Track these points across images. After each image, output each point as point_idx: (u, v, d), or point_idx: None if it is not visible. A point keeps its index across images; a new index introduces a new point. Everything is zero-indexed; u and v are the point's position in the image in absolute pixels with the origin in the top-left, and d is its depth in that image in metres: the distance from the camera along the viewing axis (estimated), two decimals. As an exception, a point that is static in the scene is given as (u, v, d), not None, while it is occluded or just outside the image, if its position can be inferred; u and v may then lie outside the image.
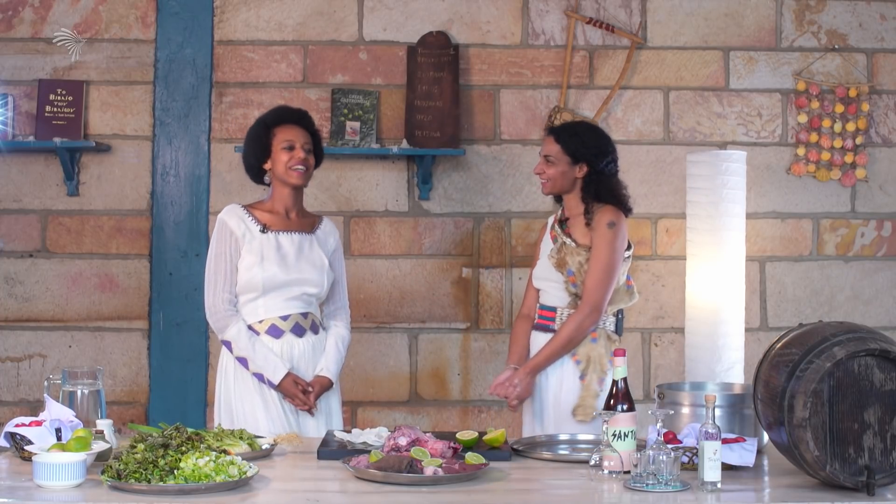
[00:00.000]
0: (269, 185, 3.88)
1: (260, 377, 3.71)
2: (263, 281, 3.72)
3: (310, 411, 3.75)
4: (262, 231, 3.77)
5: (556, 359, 3.79)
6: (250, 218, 3.79)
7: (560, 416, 3.80)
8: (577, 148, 3.85)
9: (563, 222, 3.93)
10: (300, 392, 3.71)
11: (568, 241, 3.85)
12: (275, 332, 3.75)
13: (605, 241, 3.76)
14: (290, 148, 3.79)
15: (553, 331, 3.82)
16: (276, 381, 3.69)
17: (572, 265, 3.81)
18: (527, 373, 3.79)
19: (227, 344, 3.75)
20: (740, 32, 5.20)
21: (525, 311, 4.02)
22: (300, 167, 3.79)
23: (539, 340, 3.87)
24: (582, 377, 3.77)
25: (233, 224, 3.77)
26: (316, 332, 3.82)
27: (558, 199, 3.99)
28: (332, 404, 3.86)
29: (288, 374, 3.70)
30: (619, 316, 3.87)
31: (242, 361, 3.72)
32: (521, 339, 3.97)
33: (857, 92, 5.15)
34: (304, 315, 3.80)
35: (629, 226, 3.90)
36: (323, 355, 3.82)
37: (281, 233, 3.79)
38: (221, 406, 3.82)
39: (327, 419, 3.84)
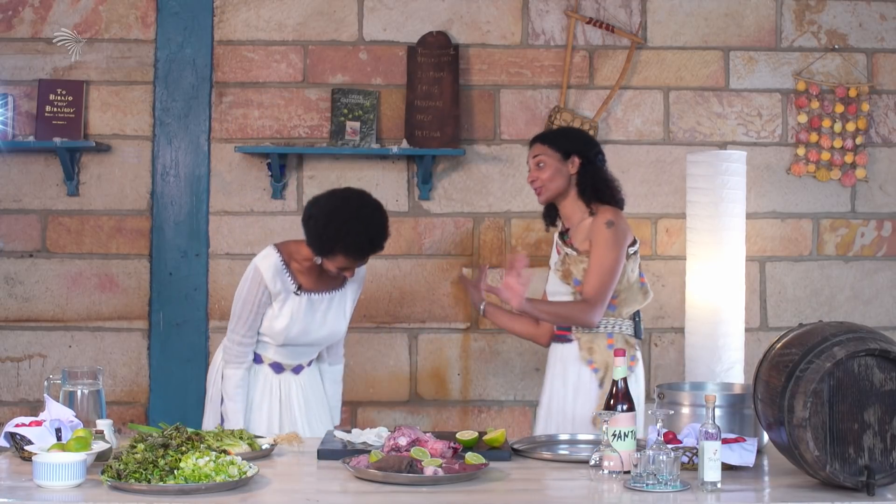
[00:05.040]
0: None
1: (223, 418, 3.80)
2: (286, 338, 3.79)
3: None
4: (297, 293, 3.79)
5: (543, 314, 3.73)
6: (287, 274, 3.78)
7: (576, 425, 3.74)
8: (564, 142, 3.84)
9: (563, 234, 3.90)
10: None
11: (569, 251, 3.82)
12: (277, 368, 3.87)
13: (603, 239, 3.72)
14: (345, 268, 3.78)
15: (570, 340, 3.80)
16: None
17: (577, 274, 3.77)
18: (517, 293, 3.63)
19: (224, 377, 3.82)
20: (740, 32, 5.20)
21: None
22: (348, 275, 3.83)
23: (557, 351, 3.86)
24: (601, 385, 3.73)
25: (269, 280, 3.76)
26: (310, 364, 3.95)
27: (550, 217, 3.93)
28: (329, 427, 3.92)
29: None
30: (637, 318, 3.82)
31: (225, 395, 3.80)
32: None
33: (857, 92, 5.15)
34: (309, 362, 3.94)
35: (629, 226, 3.87)
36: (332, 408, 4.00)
37: (314, 293, 3.83)
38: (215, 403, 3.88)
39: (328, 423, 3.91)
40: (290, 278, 3.78)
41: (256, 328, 3.79)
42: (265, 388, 3.84)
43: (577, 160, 3.81)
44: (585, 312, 3.69)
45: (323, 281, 3.84)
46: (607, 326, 3.76)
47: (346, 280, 3.89)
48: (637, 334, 3.82)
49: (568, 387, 3.79)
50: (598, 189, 3.81)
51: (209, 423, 3.87)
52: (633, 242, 3.82)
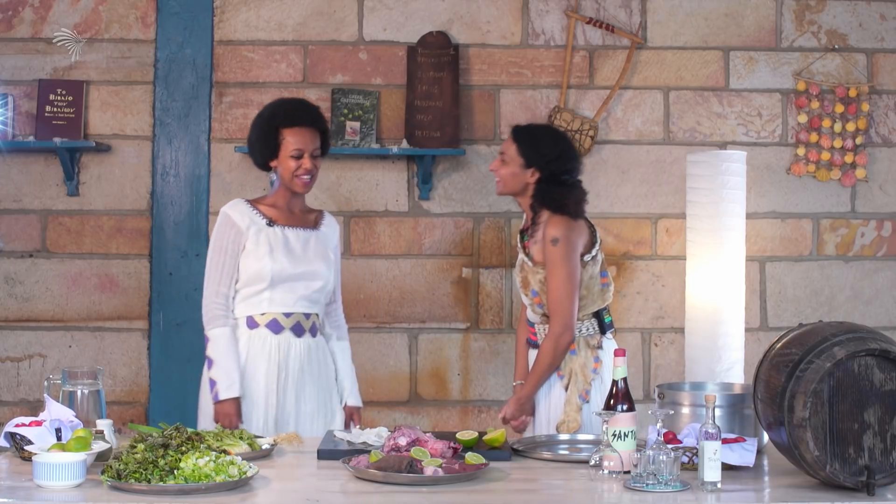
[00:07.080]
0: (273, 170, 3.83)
1: (212, 384, 3.66)
2: (273, 273, 3.69)
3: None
4: (269, 224, 3.75)
5: (545, 380, 3.75)
6: (255, 212, 3.76)
7: (550, 431, 3.74)
8: (531, 152, 3.73)
9: (523, 233, 3.83)
10: (234, 421, 3.61)
11: (526, 259, 3.77)
12: (275, 326, 3.72)
13: (552, 259, 3.65)
14: (299, 156, 3.72)
15: (538, 346, 3.78)
16: (221, 397, 3.61)
17: (534, 285, 3.74)
18: (520, 403, 3.76)
19: (206, 340, 3.73)
20: (740, 32, 5.20)
21: (523, 317, 3.96)
22: (306, 177, 3.74)
23: (532, 356, 3.83)
24: (566, 390, 3.72)
25: (236, 217, 3.73)
26: (314, 335, 3.79)
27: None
28: (334, 406, 3.86)
29: (236, 399, 3.64)
30: (600, 316, 3.76)
31: (209, 361, 3.71)
32: (522, 350, 3.94)
33: (857, 92, 5.15)
34: (307, 316, 3.76)
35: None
36: (344, 379, 3.87)
37: (287, 228, 3.77)
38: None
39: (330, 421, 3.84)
40: (258, 214, 3.75)
41: (232, 277, 3.71)
42: (262, 351, 3.70)
43: (536, 173, 3.74)
44: (559, 346, 3.68)
45: (294, 217, 3.81)
46: None
47: (319, 221, 3.85)
48: (603, 330, 3.76)
49: (541, 391, 3.78)
50: (546, 205, 3.72)
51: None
52: (591, 246, 3.73)
